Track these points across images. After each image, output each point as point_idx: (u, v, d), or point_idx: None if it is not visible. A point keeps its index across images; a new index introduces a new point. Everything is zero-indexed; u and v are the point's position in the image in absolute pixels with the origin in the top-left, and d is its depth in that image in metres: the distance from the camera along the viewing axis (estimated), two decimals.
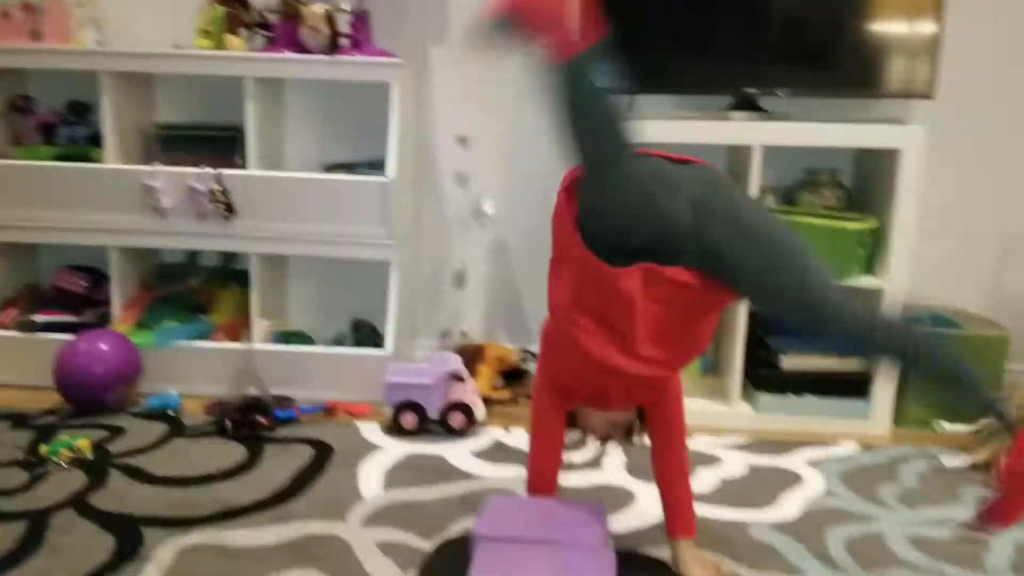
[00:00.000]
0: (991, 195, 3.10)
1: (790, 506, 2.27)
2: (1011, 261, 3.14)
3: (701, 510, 2.20)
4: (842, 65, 2.80)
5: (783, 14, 2.80)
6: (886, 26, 2.75)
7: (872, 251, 2.76)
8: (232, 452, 2.49)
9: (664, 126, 2.72)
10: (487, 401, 2.83)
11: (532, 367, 3.19)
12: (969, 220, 3.12)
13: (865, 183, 2.95)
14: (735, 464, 2.52)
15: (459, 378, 2.68)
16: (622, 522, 2.16)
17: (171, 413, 2.72)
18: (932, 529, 2.16)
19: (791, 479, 2.43)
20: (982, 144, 3.06)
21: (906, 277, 2.69)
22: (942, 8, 2.70)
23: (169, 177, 2.84)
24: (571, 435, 1.97)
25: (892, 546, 2.08)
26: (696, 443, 2.65)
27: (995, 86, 3.02)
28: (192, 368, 2.87)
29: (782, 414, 2.79)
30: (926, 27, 2.72)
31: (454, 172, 2.96)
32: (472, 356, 2.97)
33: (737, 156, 2.90)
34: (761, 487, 2.37)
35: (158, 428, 2.63)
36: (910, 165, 2.62)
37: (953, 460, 2.56)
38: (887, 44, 2.75)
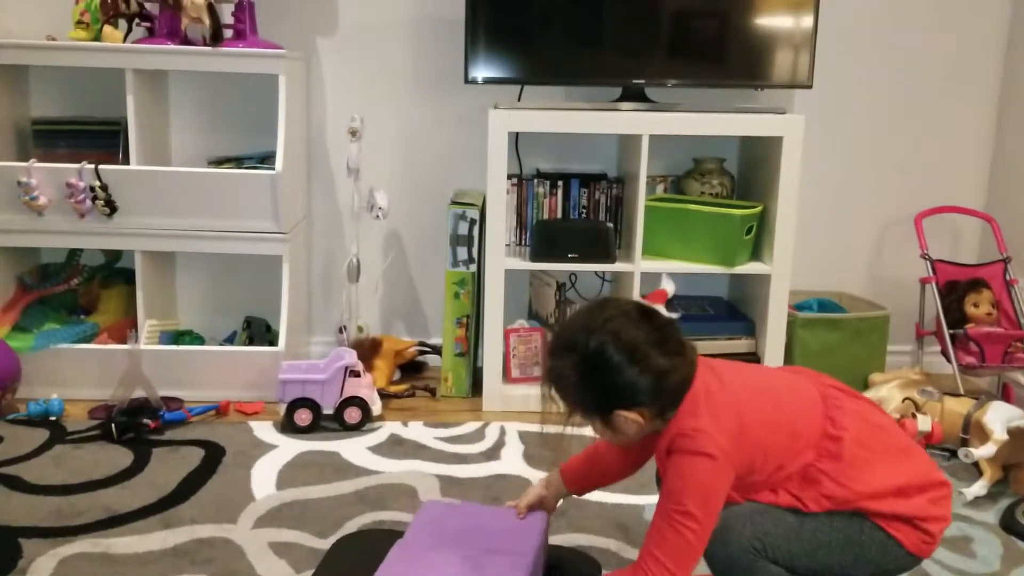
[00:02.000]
0: (869, 180, 3.22)
1: None
2: (889, 244, 3.27)
3: (597, 496, 2.24)
4: (727, 57, 2.87)
5: (670, 7, 2.84)
6: (768, 19, 2.82)
7: (758, 237, 2.83)
8: (118, 457, 2.41)
9: (555, 116, 2.74)
10: (384, 395, 2.81)
11: (428, 360, 3.19)
12: (850, 205, 3.24)
13: (750, 171, 3.03)
14: None
15: (355, 373, 2.65)
16: None
17: (53, 419, 2.62)
18: None
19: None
20: (858, 131, 3.19)
21: (790, 262, 2.77)
22: (818, 1, 2.79)
23: (45, 173, 2.72)
24: None
25: None
26: (587, 430, 2.66)
27: (867, 75, 3.14)
28: (75, 372, 2.77)
29: None
30: (804, 20, 2.80)
31: (345, 164, 2.93)
32: (368, 350, 2.94)
33: (626, 146, 2.94)
34: (655, 471, 2.40)
35: (38, 435, 2.53)
36: (791, 152, 2.71)
37: None
38: (769, 36, 2.83)
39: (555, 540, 2.01)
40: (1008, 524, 2.16)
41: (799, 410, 1.54)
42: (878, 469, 1.51)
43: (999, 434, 2.33)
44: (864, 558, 1.52)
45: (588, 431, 1.62)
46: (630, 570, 1.50)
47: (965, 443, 2.44)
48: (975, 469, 2.39)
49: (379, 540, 1.90)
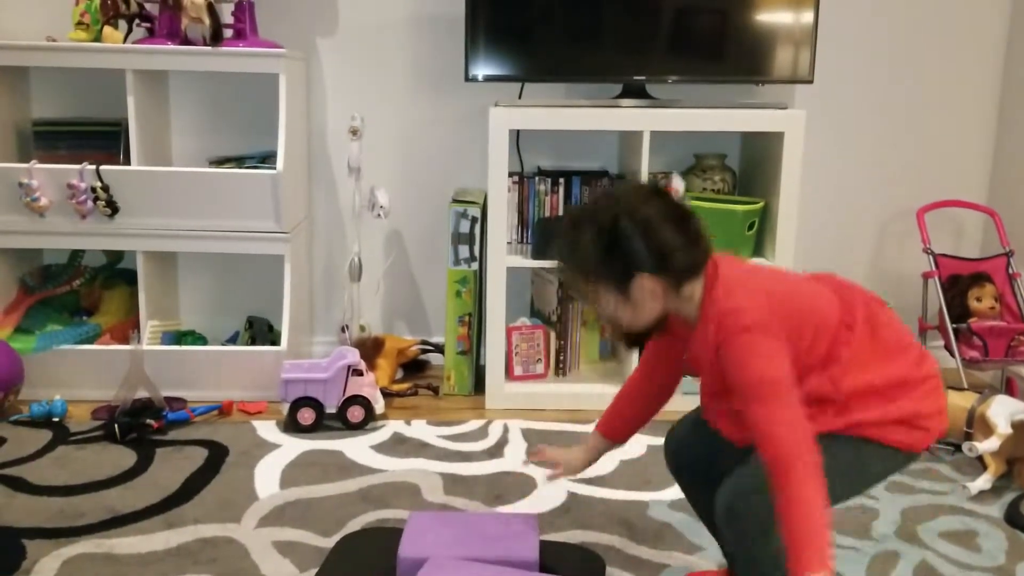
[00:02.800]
0: (871, 175, 3.22)
1: None
2: (891, 239, 3.26)
3: (601, 492, 2.24)
4: (727, 53, 2.86)
5: (671, 3, 2.84)
6: (768, 15, 2.82)
7: (760, 232, 2.83)
8: (121, 457, 2.40)
9: (555, 114, 2.74)
10: (387, 394, 2.81)
11: (431, 358, 3.19)
12: (852, 200, 3.23)
13: (752, 166, 3.02)
14: (634, 446, 2.55)
15: (357, 372, 2.65)
16: (523, 508, 2.17)
17: (56, 420, 2.62)
18: None
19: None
20: (860, 126, 3.19)
21: (793, 257, 2.77)
22: None
23: (46, 175, 2.72)
24: None
25: None
26: (589, 427, 2.66)
27: (868, 70, 3.14)
28: (78, 373, 2.77)
29: (679, 395, 2.82)
30: (805, 15, 2.79)
31: (346, 163, 2.92)
32: (371, 349, 2.95)
33: (627, 142, 2.94)
34: (660, 467, 2.40)
35: (42, 436, 2.53)
36: (793, 148, 2.70)
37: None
38: (769, 32, 2.82)
39: (559, 537, 2.02)
40: (1013, 518, 2.15)
41: (817, 293, 1.57)
42: (878, 365, 1.54)
43: (1003, 428, 2.33)
44: (869, 476, 1.60)
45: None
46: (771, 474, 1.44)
47: (969, 437, 2.44)
48: (979, 463, 2.39)
49: (383, 539, 1.91)
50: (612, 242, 1.47)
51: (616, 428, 1.84)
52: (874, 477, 1.62)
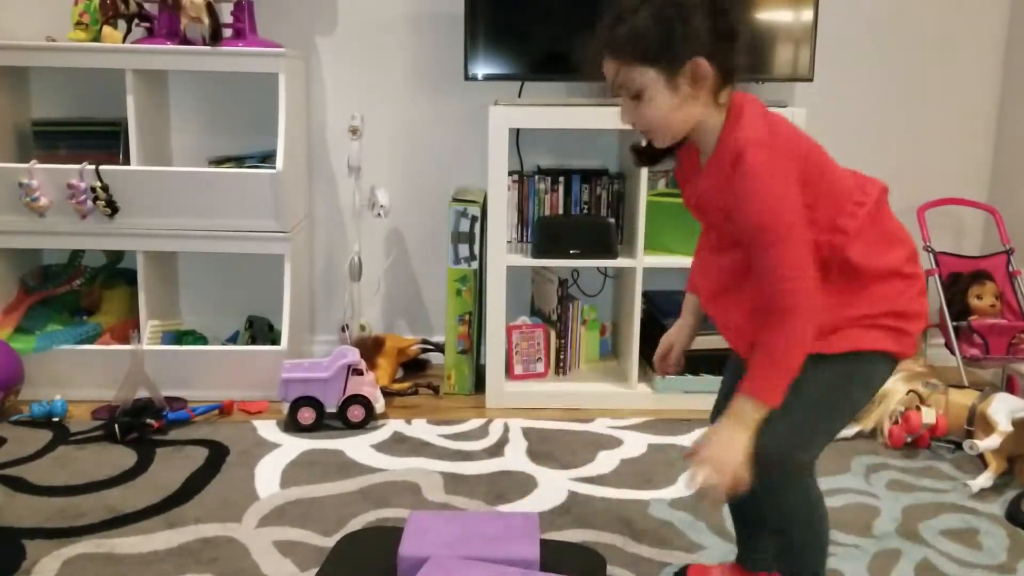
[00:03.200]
0: (871, 173, 3.17)
1: None
2: None
3: (602, 491, 2.24)
4: None
5: None
6: (768, 13, 2.82)
7: None
8: (121, 457, 2.40)
9: (555, 112, 2.74)
10: (387, 393, 2.81)
11: (431, 357, 3.19)
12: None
13: None
14: (635, 444, 2.55)
15: (358, 371, 2.65)
16: (524, 507, 2.16)
17: (56, 420, 2.62)
18: (824, 499, 2.22)
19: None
20: (860, 124, 3.18)
21: None
22: None
23: (46, 174, 2.72)
24: None
25: None
26: (596, 425, 2.68)
27: (868, 68, 3.14)
28: (78, 372, 2.77)
29: (680, 393, 2.83)
30: (804, 13, 2.79)
31: (346, 162, 2.92)
32: (371, 348, 2.94)
33: (627, 141, 2.92)
34: (660, 466, 2.41)
35: (42, 436, 2.53)
36: None
37: (843, 430, 2.64)
38: (769, 30, 2.83)
39: (560, 536, 2.01)
40: (1014, 515, 2.15)
41: (837, 164, 1.56)
42: (878, 249, 1.53)
43: (1004, 426, 2.33)
44: (860, 394, 1.59)
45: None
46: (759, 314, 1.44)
47: (970, 435, 2.44)
48: (980, 461, 2.39)
49: (383, 538, 1.91)
50: (673, 18, 1.41)
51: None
52: (864, 394, 1.60)
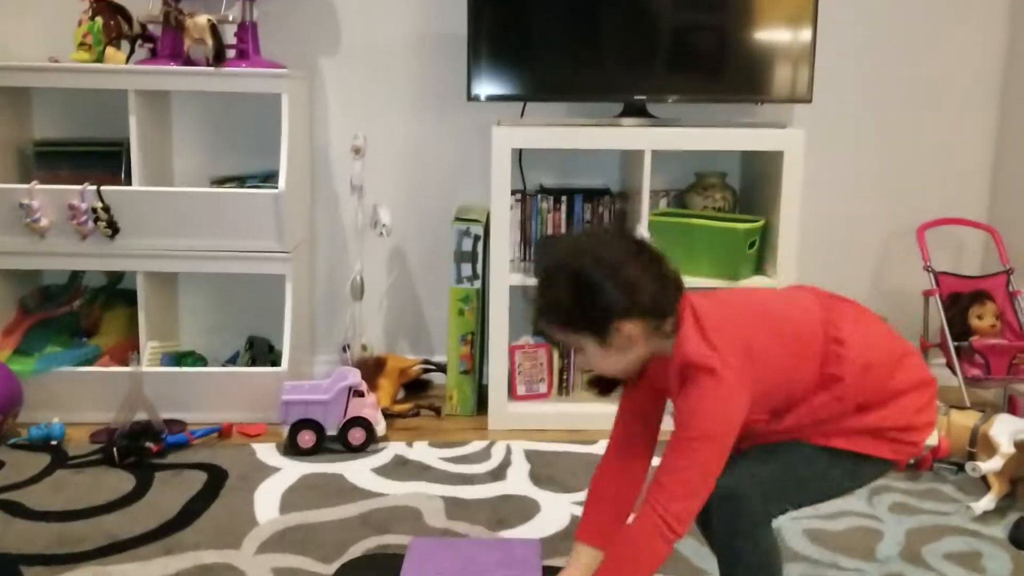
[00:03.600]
0: (871, 193, 3.22)
1: None
2: (892, 257, 3.26)
3: None
4: (727, 72, 2.87)
5: (671, 23, 2.85)
6: (767, 34, 2.82)
7: (761, 250, 2.82)
8: (120, 481, 2.39)
9: (557, 133, 2.74)
10: (388, 415, 2.80)
11: (433, 378, 3.18)
12: (852, 218, 3.23)
13: (752, 184, 3.02)
14: None
15: (358, 393, 2.64)
16: (526, 532, 2.15)
17: (54, 443, 2.61)
18: (827, 522, 2.21)
19: None
20: (859, 144, 3.19)
21: (794, 275, 2.76)
22: (816, 16, 2.79)
23: (47, 195, 2.72)
24: None
25: (789, 541, 2.11)
26: (599, 448, 2.64)
27: (867, 88, 3.14)
28: (77, 395, 2.75)
29: None
30: (803, 34, 2.80)
31: (348, 182, 2.93)
32: (372, 369, 2.94)
33: (629, 161, 2.93)
34: None
35: (40, 460, 2.51)
36: (792, 166, 2.70)
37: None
38: (768, 51, 2.83)
39: (562, 562, 1.99)
40: (1017, 538, 2.14)
41: (800, 317, 1.58)
42: (878, 377, 1.56)
43: (1006, 447, 2.32)
44: (854, 480, 1.63)
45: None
46: (641, 511, 1.48)
47: (972, 457, 2.43)
48: (983, 483, 2.38)
49: (384, 565, 1.89)
50: (584, 293, 1.47)
51: (609, 530, 1.66)
52: (849, 484, 1.64)
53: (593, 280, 1.45)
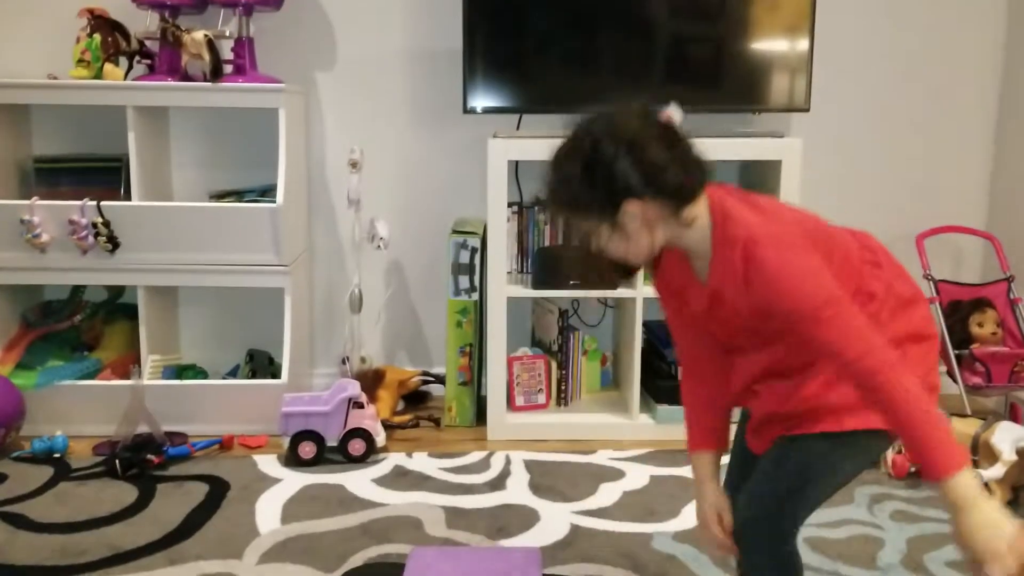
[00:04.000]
0: (869, 202, 3.22)
1: (691, 515, 2.29)
2: None
3: (605, 524, 2.23)
4: (724, 82, 2.88)
5: (667, 33, 2.87)
6: (764, 44, 2.84)
7: None
8: (122, 493, 2.40)
9: (554, 144, 2.74)
10: (388, 426, 2.80)
11: (432, 389, 3.18)
12: (849, 225, 3.21)
13: (751, 190, 3.02)
14: (637, 476, 2.54)
15: (358, 404, 2.65)
16: (526, 541, 2.15)
17: (57, 456, 2.61)
18: (828, 530, 2.21)
19: (692, 488, 2.45)
20: (857, 153, 3.20)
21: None
22: (813, 25, 2.80)
23: (47, 211, 2.73)
24: None
25: None
26: (598, 457, 2.67)
27: (864, 97, 3.16)
28: (79, 408, 2.76)
29: (681, 424, 2.80)
30: (800, 44, 2.82)
31: (346, 196, 2.94)
32: (372, 381, 2.94)
33: None
34: (663, 498, 2.40)
35: (43, 472, 2.52)
36: (790, 176, 2.71)
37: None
38: (765, 61, 2.84)
39: (562, 571, 2.00)
40: None
41: (835, 230, 1.50)
42: (902, 312, 1.48)
43: (1008, 455, 2.32)
44: (866, 460, 1.54)
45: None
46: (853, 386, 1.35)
47: (974, 464, 2.43)
48: (985, 491, 2.37)
49: (384, 575, 1.89)
50: (595, 169, 1.36)
51: (721, 435, 1.62)
52: (859, 466, 1.54)
53: (605, 156, 1.35)
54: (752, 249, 1.35)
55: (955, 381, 2.86)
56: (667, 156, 1.37)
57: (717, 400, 1.60)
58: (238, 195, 3.01)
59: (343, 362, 3.00)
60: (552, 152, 1.44)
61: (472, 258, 2.87)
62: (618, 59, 2.85)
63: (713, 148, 2.76)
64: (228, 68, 2.83)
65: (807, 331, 1.33)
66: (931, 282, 2.98)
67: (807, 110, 2.86)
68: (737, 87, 2.87)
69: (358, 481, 2.49)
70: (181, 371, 3.00)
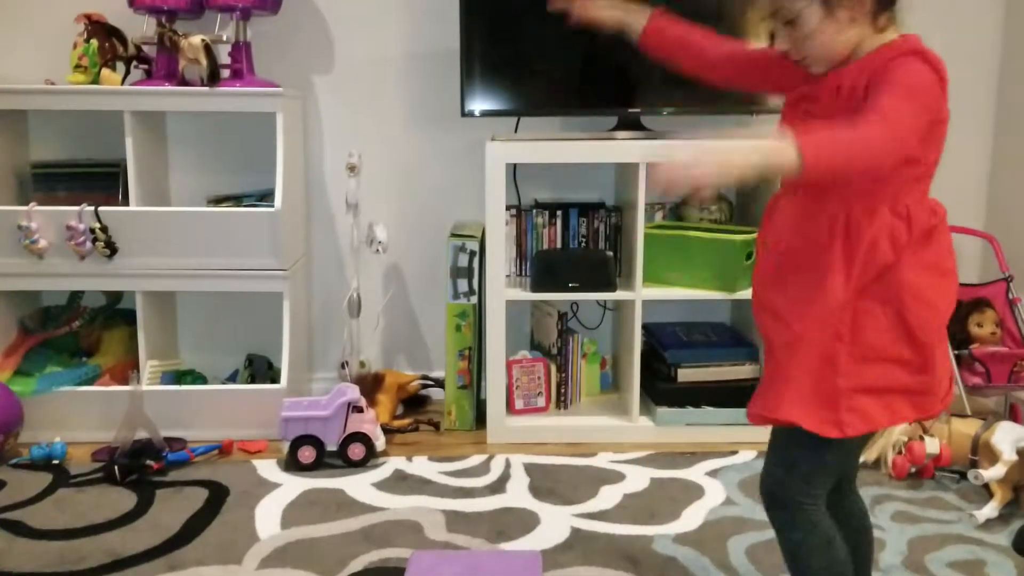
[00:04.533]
0: None
1: (692, 518, 2.30)
2: None
3: (605, 527, 2.23)
4: None
5: None
6: (760, 45, 2.83)
7: None
8: (121, 499, 2.39)
9: (551, 147, 2.75)
10: (387, 430, 2.80)
11: (431, 393, 3.18)
12: None
13: (748, 195, 3.03)
14: (637, 479, 2.54)
15: (358, 408, 2.64)
16: (526, 545, 2.15)
17: (56, 462, 2.61)
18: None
19: (692, 490, 2.46)
20: None
21: None
22: None
23: (45, 217, 2.73)
24: None
25: None
26: (598, 460, 2.66)
27: None
28: (78, 414, 2.75)
29: (681, 426, 2.82)
30: None
31: (344, 200, 2.94)
32: (371, 385, 2.94)
33: (623, 174, 2.94)
34: (663, 500, 2.39)
35: (42, 479, 2.51)
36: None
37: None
38: None
39: (563, 574, 2.00)
40: (1021, 546, 2.14)
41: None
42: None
43: (1008, 455, 2.32)
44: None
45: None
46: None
47: (975, 465, 2.43)
48: (985, 491, 2.37)
49: None
50: None
51: (661, 36, 1.73)
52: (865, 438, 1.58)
53: None
54: (907, 56, 1.41)
55: (954, 382, 2.85)
56: None
57: (695, 44, 1.71)
58: (236, 200, 3.01)
59: (342, 366, 3.00)
60: None
61: (471, 261, 2.87)
62: (615, 61, 2.85)
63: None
64: (225, 73, 2.82)
65: (877, 99, 1.35)
66: None
67: None
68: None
69: (358, 485, 2.49)
70: (180, 376, 2.99)
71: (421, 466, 2.63)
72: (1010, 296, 2.96)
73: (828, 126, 1.35)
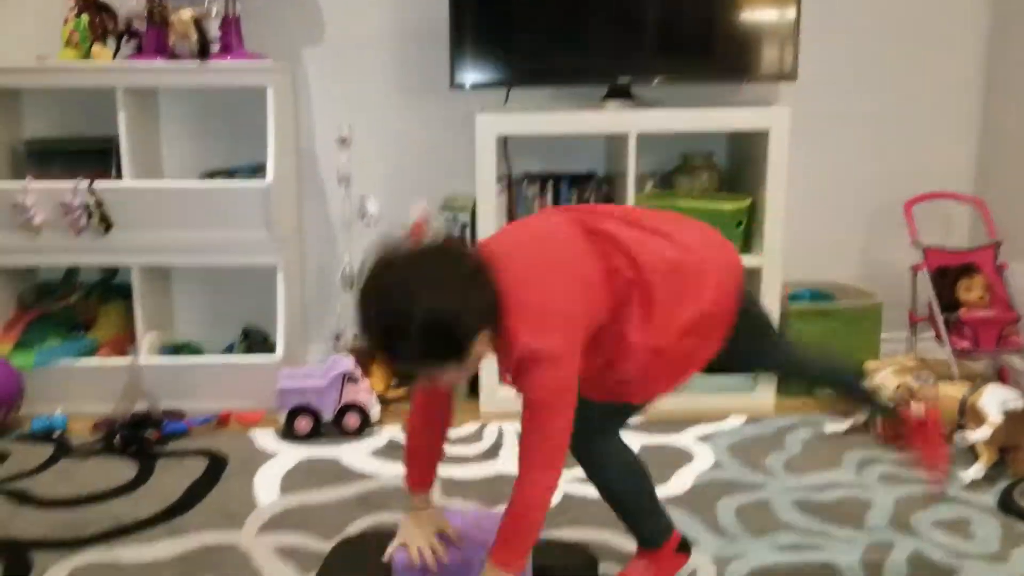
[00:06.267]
0: (857, 169, 3.24)
1: (682, 481, 2.34)
2: (880, 232, 3.29)
3: (596, 491, 2.25)
4: (711, 52, 2.90)
5: (654, 3, 2.87)
6: (751, 13, 2.85)
7: (748, 229, 2.85)
8: (122, 469, 2.43)
9: (542, 118, 2.77)
10: (383, 401, 2.83)
11: None
12: (839, 195, 3.26)
13: (738, 164, 3.05)
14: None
15: (353, 379, 2.67)
16: None
17: (57, 434, 2.64)
18: (817, 493, 2.25)
19: (682, 456, 2.50)
20: (845, 121, 3.21)
21: (781, 253, 2.79)
22: None
23: (40, 193, 2.75)
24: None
25: (779, 512, 2.16)
26: None
27: (852, 65, 3.17)
28: (77, 387, 2.79)
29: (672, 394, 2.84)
30: (787, 12, 2.83)
31: (336, 173, 2.95)
32: (366, 356, 2.96)
33: (614, 144, 2.96)
34: (654, 465, 2.39)
35: (44, 450, 2.55)
36: (778, 145, 2.72)
37: (834, 426, 2.66)
38: (753, 30, 2.85)
39: (553, 535, 2.04)
40: (1007, 504, 2.18)
41: (574, 257, 1.61)
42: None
43: (994, 417, 2.35)
44: None
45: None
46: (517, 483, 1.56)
47: (961, 427, 2.46)
48: (972, 453, 2.41)
49: (378, 541, 1.91)
50: (440, 332, 1.44)
51: (428, 479, 1.83)
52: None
53: (446, 318, 1.43)
54: (522, 367, 1.54)
55: (943, 346, 2.89)
56: (480, 287, 1.48)
57: (434, 447, 1.83)
58: (228, 173, 3.02)
59: (337, 338, 3.03)
60: (381, 325, 1.49)
61: (462, 233, 2.88)
62: (605, 30, 2.86)
63: (700, 119, 2.81)
64: (215, 47, 2.83)
65: (525, 424, 1.56)
66: (919, 248, 3.01)
67: (794, 79, 2.87)
68: (724, 56, 2.88)
69: (354, 454, 2.52)
70: (177, 349, 3.02)
71: None
72: (998, 261, 2.99)
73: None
